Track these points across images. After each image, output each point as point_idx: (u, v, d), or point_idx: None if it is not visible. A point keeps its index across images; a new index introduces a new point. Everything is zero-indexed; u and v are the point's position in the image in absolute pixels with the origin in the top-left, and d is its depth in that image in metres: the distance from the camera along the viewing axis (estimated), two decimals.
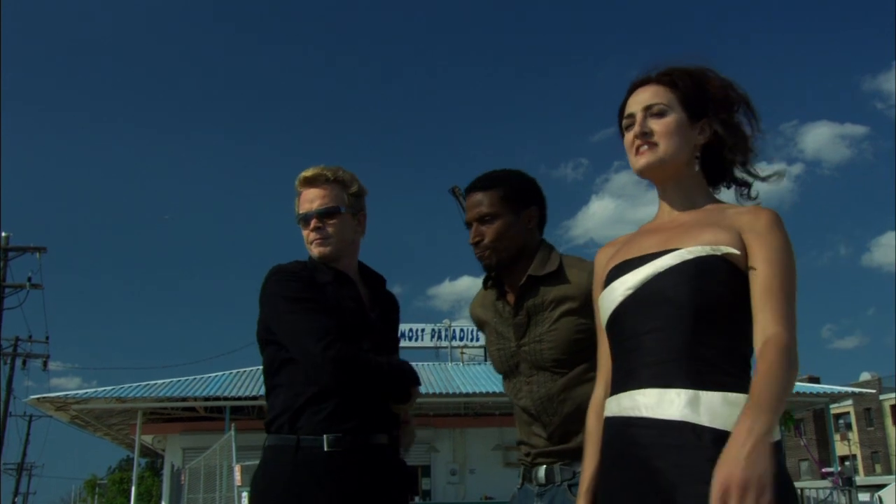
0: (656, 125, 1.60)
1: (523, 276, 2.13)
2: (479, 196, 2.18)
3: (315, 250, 2.23)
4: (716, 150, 1.64)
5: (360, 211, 2.30)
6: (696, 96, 1.62)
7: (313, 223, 2.22)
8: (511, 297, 2.18)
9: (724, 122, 1.63)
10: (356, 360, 2.06)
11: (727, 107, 1.64)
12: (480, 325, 2.33)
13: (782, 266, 1.46)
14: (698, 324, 1.44)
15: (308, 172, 2.25)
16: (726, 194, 1.71)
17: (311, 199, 2.23)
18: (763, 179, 1.67)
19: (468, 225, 2.21)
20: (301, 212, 2.25)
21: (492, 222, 2.15)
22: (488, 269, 2.19)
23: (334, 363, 2.01)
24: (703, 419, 1.38)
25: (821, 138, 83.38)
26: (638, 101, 1.64)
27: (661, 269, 1.50)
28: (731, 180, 1.68)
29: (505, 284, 2.20)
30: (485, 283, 2.28)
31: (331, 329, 2.05)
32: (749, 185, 1.67)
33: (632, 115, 1.64)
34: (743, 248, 1.48)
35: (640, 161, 1.61)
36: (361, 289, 2.28)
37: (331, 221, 2.22)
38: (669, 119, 1.60)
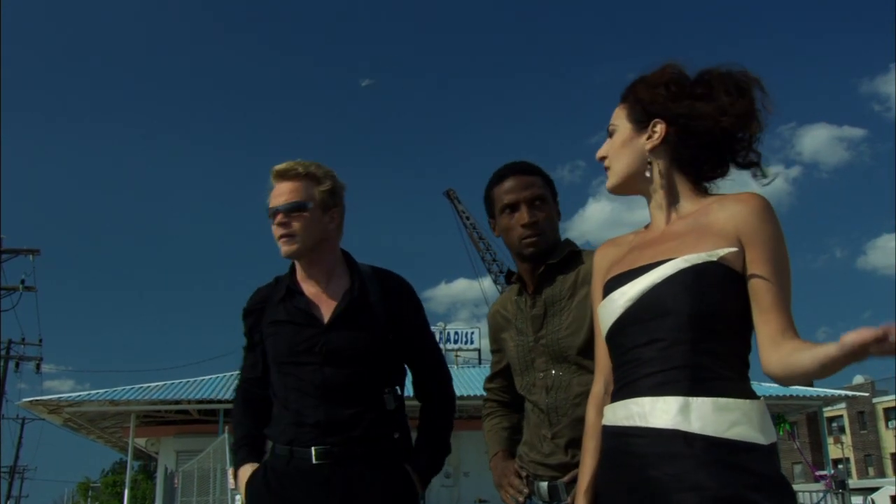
0: (606, 147, 1.68)
1: (541, 269, 2.10)
2: (530, 178, 2.14)
3: (282, 248, 2.16)
4: (686, 142, 1.58)
5: (333, 207, 2.20)
6: (639, 103, 1.61)
7: (279, 218, 2.15)
8: (531, 289, 2.14)
9: (676, 115, 1.57)
10: (236, 405, 2.38)
11: (675, 96, 1.58)
12: (499, 329, 2.25)
13: (781, 261, 1.46)
14: (697, 332, 1.44)
15: (280, 166, 2.19)
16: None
17: (279, 194, 2.17)
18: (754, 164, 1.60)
19: (512, 206, 2.12)
20: (269, 206, 2.18)
21: (542, 207, 2.12)
22: (533, 256, 2.10)
23: (235, 397, 2.39)
24: (695, 426, 1.38)
25: (819, 140, 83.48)
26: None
27: (659, 280, 1.48)
28: (735, 163, 1.61)
29: (525, 279, 2.16)
30: (508, 278, 2.24)
31: (245, 370, 2.34)
32: (757, 165, 1.60)
33: None
34: (738, 242, 1.47)
35: (606, 185, 1.68)
36: (336, 288, 2.19)
37: (297, 218, 2.14)
38: (615, 138, 1.66)
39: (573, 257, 2.11)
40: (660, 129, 1.59)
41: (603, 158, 1.68)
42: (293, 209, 2.14)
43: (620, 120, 1.65)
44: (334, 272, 2.22)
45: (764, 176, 1.60)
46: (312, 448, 2.04)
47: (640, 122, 1.61)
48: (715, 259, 1.45)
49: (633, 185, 1.64)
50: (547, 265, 2.10)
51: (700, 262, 1.46)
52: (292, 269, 2.25)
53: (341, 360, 2.10)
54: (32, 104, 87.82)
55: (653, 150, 1.60)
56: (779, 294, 1.43)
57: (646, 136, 1.60)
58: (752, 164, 1.60)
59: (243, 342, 2.33)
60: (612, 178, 1.65)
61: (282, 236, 2.15)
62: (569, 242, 2.17)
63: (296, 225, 2.14)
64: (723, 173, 1.63)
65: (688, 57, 1.64)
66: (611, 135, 1.67)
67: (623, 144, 1.63)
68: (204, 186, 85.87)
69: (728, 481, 1.33)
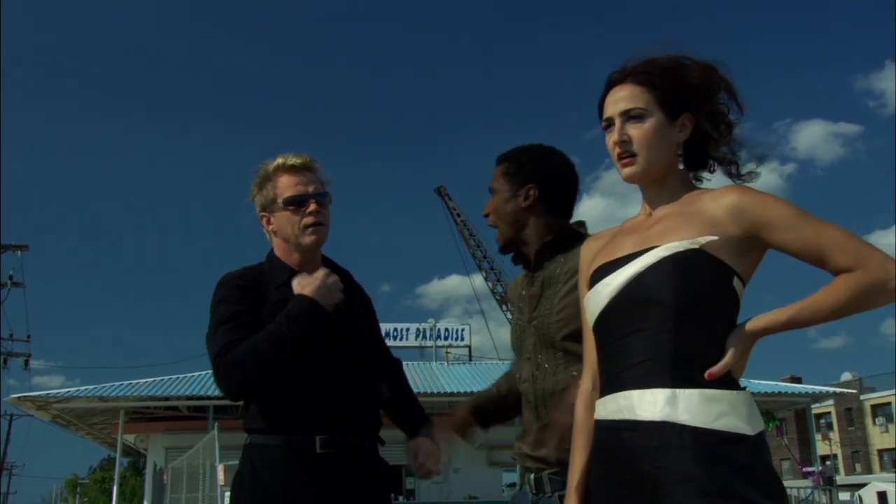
0: (635, 131, 1.56)
1: (538, 247, 2.11)
2: (495, 169, 2.21)
3: (309, 238, 2.10)
4: (698, 140, 1.61)
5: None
6: (673, 94, 1.58)
7: (313, 206, 2.11)
8: (532, 267, 2.15)
9: (707, 114, 1.59)
10: (241, 353, 1.91)
11: (708, 96, 1.59)
12: (511, 307, 2.29)
13: (799, 212, 1.45)
14: (681, 321, 1.43)
15: (297, 160, 2.15)
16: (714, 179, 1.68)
17: (304, 183, 2.12)
18: (740, 175, 1.62)
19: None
20: (292, 193, 2.11)
21: (493, 197, 2.18)
22: (497, 240, 2.21)
23: (225, 363, 1.92)
24: (683, 418, 1.38)
25: (814, 137, 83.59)
26: (615, 104, 1.59)
27: (641, 270, 1.48)
28: (718, 162, 1.63)
29: (528, 257, 2.17)
30: (514, 258, 2.25)
31: (234, 340, 1.94)
32: (737, 164, 1.62)
33: (610, 118, 1.60)
34: (722, 232, 1.46)
35: (625, 171, 1.58)
36: None
37: (326, 207, 2.15)
38: (648, 125, 1.56)
39: (574, 237, 2.08)
40: (689, 124, 1.59)
41: (626, 141, 1.56)
42: (325, 199, 2.15)
43: (650, 104, 1.57)
44: (319, 264, 2.20)
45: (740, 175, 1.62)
46: (317, 437, 1.97)
47: (674, 115, 1.58)
48: (697, 247, 1.45)
49: (651, 176, 1.59)
50: (545, 244, 2.10)
51: (682, 249, 1.45)
52: (276, 257, 2.18)
53: (357, 346, 2.10)
54: (24, 102, 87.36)
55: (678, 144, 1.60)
56: (838, 230, 1.43)
57: (677, 129, 1.58)
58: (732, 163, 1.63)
59: (222, 328, 1.99)
60: (641, 166, 1.56)
61: (316, 224, 2.11)
62: (566, 225, 2.15)
63: (326, 213, 2.14)
64: (710, 168, 1.66)
65: (665, 44, 1.62)
66: (638, 118, 1.57)
67: (661, 134, 1.56)
68: (193, 184, 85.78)
69: (716, 473, 1.33)
